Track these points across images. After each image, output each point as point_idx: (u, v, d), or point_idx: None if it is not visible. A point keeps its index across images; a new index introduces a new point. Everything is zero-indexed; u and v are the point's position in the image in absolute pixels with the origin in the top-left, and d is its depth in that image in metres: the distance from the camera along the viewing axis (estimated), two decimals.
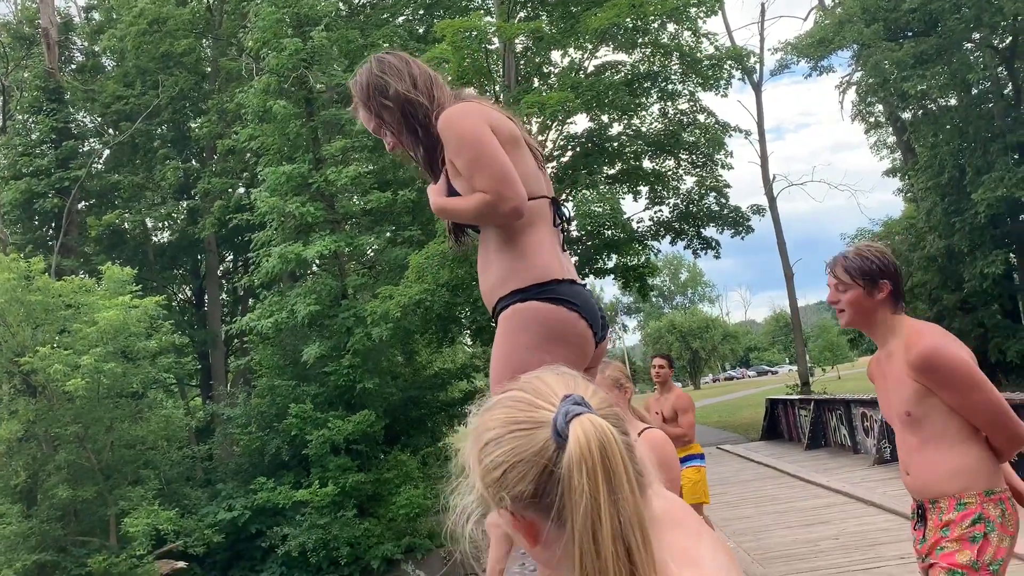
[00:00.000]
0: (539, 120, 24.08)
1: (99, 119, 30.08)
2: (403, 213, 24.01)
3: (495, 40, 23.14)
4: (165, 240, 31.76)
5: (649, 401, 7.36)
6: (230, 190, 28.29)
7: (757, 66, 31.81)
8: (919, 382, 2.81)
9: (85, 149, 29.18)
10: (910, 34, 26.13)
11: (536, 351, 2.35)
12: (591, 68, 26.10)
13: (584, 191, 24.09)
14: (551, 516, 0.99)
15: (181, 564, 20.27)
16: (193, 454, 24.46)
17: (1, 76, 28.22)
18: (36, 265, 20.65)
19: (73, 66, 31.08)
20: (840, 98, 32.89)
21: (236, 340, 29.51)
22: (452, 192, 2.51)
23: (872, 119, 34.16)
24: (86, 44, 32.00)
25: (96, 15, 32.38)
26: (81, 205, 28.59)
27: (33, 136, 28.17)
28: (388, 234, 24.04)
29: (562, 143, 26.31)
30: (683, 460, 7.00)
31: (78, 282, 21.40)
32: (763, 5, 34.97)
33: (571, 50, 25.70)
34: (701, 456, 7.33)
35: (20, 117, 28.75)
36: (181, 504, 21.41)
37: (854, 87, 30.93)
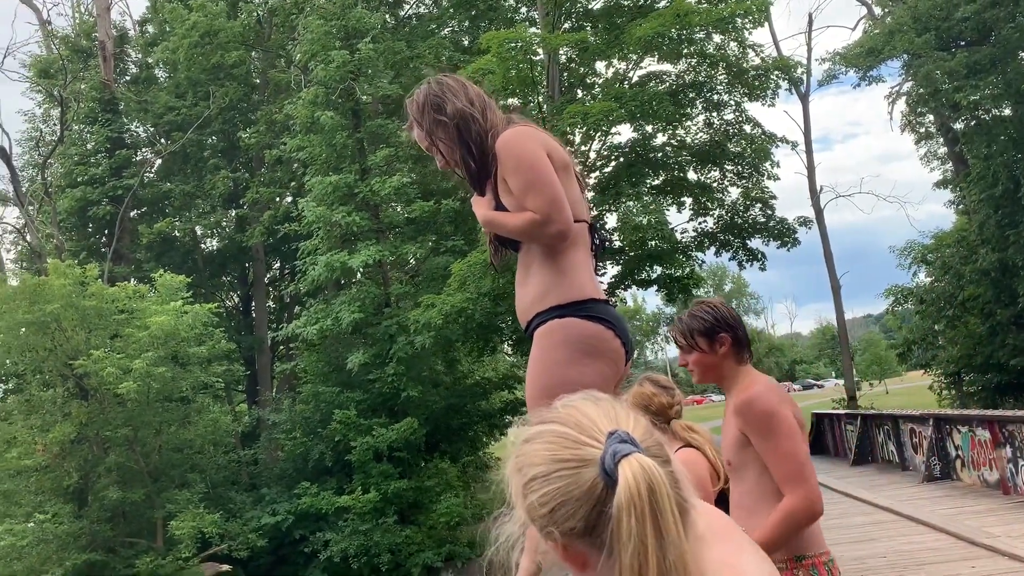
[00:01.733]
0: (582, 130, 24.08)
1: (152, 129, 30.82)
2: (445, 223, 24.21)
3: (539, 51, 23.22)
4: (214, 248, 32.38)
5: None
6: (278, 199, 28.78)
7: (804, 76, 31.44)
8: (738, 428, 2.79)
9: (138, 158, 29.91)
10: (963, 43, 25.63)
11: (573, 366, 2.47)
12: (635, 78, 26.05)
13: (628, 202, 24.00)
14: (601, 548, 1.01)
15: (225, 567, 20.60)
16: (239, 458, 24.85)
17: (59, 88, 29.04)
18: (91, 271, 21.20)
19: (127, 78, 31.91)
20: (889, 108, 32.34)
21: (282, 346, 29.96)
22: (500, 208, 2.63)
23: (923, 130, 33.51)
24: (140, 56, 32.83)
25: (150, 28, 33.21)
26: (133, 213, 29.29)
27: (88, 146, 28.96)
28: (431, 243, 24.23)
29: (605, 153, 26.26)
30: None
31: (131, 288, 21.91)
32: (811, 15, 34.70)
33: (615, 60, 25.67)
34: None
35: (76, 127, 29.58)
36: (226, 508, 21.75)
37: (904, 97, 30.40)
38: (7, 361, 21.72)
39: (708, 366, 2.97)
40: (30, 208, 28.15)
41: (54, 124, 31.50)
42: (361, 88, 23.52)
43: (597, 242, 2.78)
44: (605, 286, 26.53)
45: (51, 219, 28.22)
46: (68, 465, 20.50)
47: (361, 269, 23.28)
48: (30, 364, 21.18)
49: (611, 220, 26.00)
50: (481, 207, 2.71)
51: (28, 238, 27.85)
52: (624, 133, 26.19)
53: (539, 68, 23.58)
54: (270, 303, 32.97)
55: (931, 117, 31.09)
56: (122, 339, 20.78)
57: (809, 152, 31.67)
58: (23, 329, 20.60)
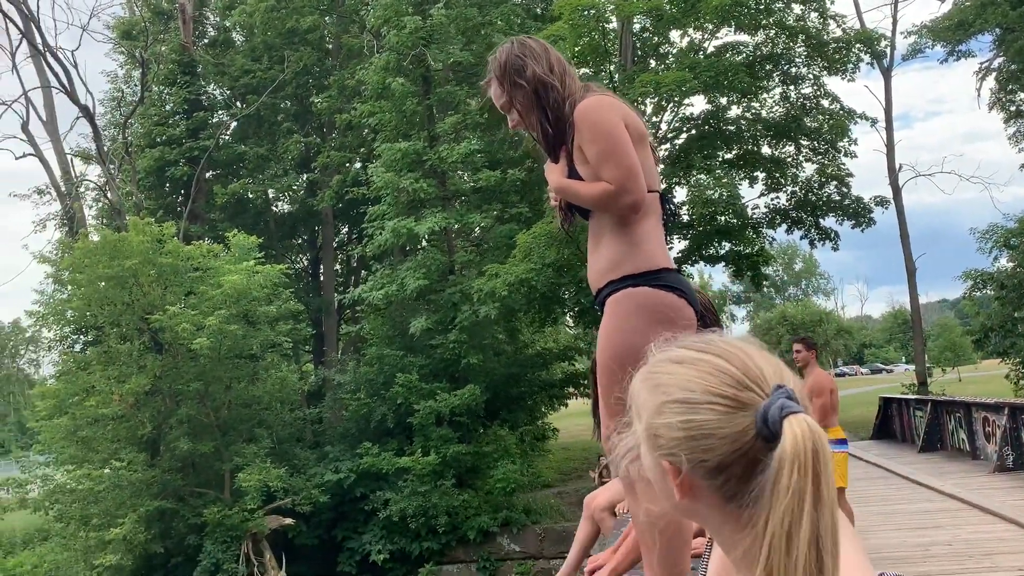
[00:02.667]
0: (654, 101, 23.70)
1: (228, 92, 31.44)
2: (511, 192, 24.19)
3: (613, 19, 22.87)
4: (285, 210, 33.01)
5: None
6: (348, 164, 29.12)
7: (888, 50, 30.29)
8: None
9: (214, 120, 30.57)
10: None
11: (646, 334, 2.45)
12: (711, 49, 25.46)
13: (699, 175, 23.59)
14: (721, 490, 1.01)
15: (289, 520, 21.23)
16: (304, 416, 25.48)
17: (141, 50, 29.80)
18: (168, 229, 21.84)
19: (206, 40, 32.54)
20: (978, 85, 30.90)
21: (348, 310, 30.48)
22: (574, 175, 2.66)
23: (1013, 108, 32.05)
24: (218, 19, 33.41)
25: None
26: (209, 174, 30.01)
27: (167, 107, 29.71)
28: (496, 212, 24.27)
29: (677, 125, 25.82)
30: None
31: (206, 247, 22.51)
32: None
33: (691, 30, 25.12)
34: (842, 441, 7.33)
35: (156, 89, 30.34)
36: (291, 463, 22.36)
37: (994, 73, 29.08)
38: (87, 313, 22.58)
39: None
40: (111, 167, 29.08)
41: (135, 85, 32.37)
42: (432, 54, 23.54)
43: (668, 212, 2.79)
44: (672, 260, 26.26)
45: (131, 178, 29.12)
46: (142, 415, 21.30)
47: (427, 236, 23.46)
48: (109, 317, 21.98)
49: (680, 194, 25.62)
50: (554, 173, 2.73)
51: (109, 195, 28.81)
52: (697, 105, 25.71)
53: (611, 36, 23.25)
54: (337, 266, 33.54)
55: (1023, 95, 29.70)
56: (196, 296, 21.41)
57: (889, 129, 30.57)
58: (103, 283, 21.37)
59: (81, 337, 25.44)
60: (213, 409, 21.84)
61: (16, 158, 32.54)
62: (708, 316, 3.10)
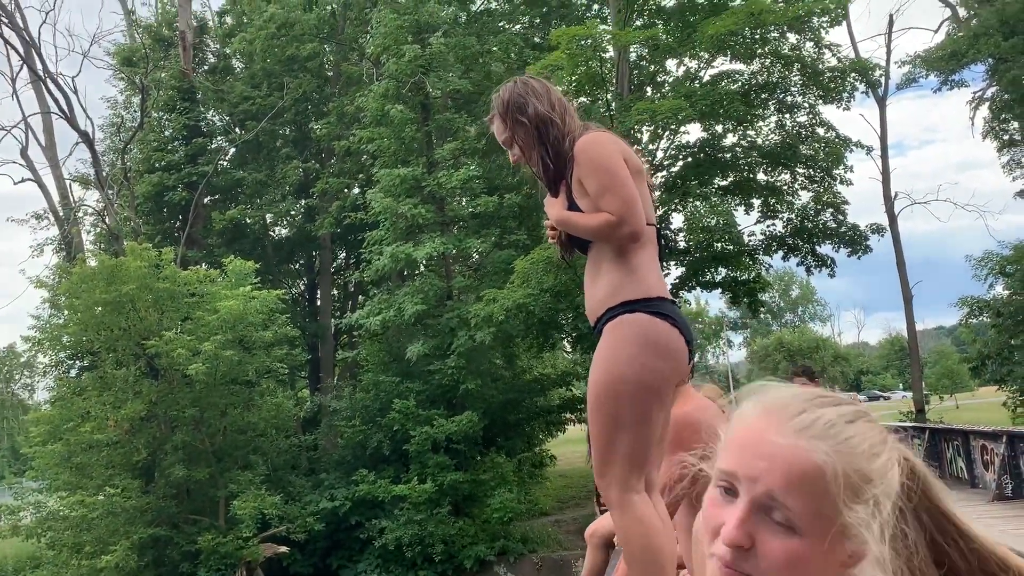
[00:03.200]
0: (650, 128, 23.87)
1: (227, 118, 31.60)
2: (509, 217, 24.29)
3: (609, 48, 23.09)
4: (283, 235, 33.05)
5: None
6: (346, 190, 29.22)
7: (882, 79, 30.56)
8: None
9: (213, 146, 30.69)
10: None
11: (638, 361, 2.57)
12: (707, 77, 25.68)
13: (695, 202, 23.71)
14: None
15: (283, 548, 21.03)
16: (299, 443, 25.34)
17: (141, 76, 29.99)
18: (166, 255, 21.84)
19: (206, 67, 32.75)
20: (971, 114, 31.15)
21: (344, 335, 30.44)
22: (573, 208, 2.76)
23: (1006, 137, 32.30)
24: (218, 47, 33.66)
25: (228, 19, 34.03)
26: (207, 200, 30.08)
27: (166, 133, 29.84)
28: (494, 237, 24.35)
29: (673, 152, 25.98)
30: None
31: (203, 272, 22.50)
32: (891, 16, 33.56)
33: (686, 59, 25.36)
34: None
35: (156, 115, 30.49)
36: (286, 491, 22.21)
37: (987, 103, 29.34)
38: (84, 339, 22.52)
39: None
40: (110, 192, 29.14)
41: (135, 111, 32.52)
42: (431, 82, 23.72)
43: (662, 244, 2.89)
44: (669, 287, 26.28)
45: (129, 203, 29.16)
46: (137, 441, 21.17)
47: (425, 261, 23.50)
48: (105, 342, 21.91)
49: (677, 220, 25.73)
50: (555, 207, 2.84)
51: (107, 220, 28.84)
52: (693, 132, 25.89)
53: (609, 65, 23.45)
54: (334, 292, 33.53)
55: (1016, 124, 29.94)
56: (192, 321, 21.37)
57: (884, 157, 30.79)
58: (99, 308, 21.33)
59: (77, 362, 25.35)
60: (208, 435, 21.72)
61: (15, 183, 32.60)
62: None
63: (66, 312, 22.63)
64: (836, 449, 0.98)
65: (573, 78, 22.05)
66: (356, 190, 29.51)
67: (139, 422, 21.11)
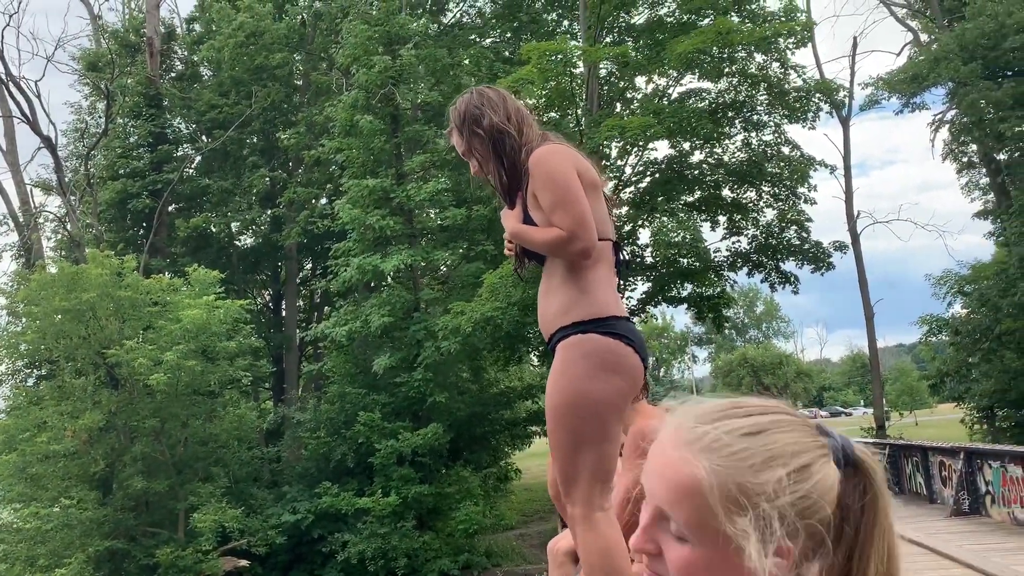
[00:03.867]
0: (619, 144, 24.06)
1: (194, 126, 31.28)
2: (477, 230, 24.30)
3: (580, 64, 23.27)
4: (249, 245, 32.74)
5: None
6: (313, 200, 29.05)
7: (846, 100, 31.16)
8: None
9: (179, 154, 30.35)
10: (1010, 74, 25.24)
11: (593, 380, 2.56)
12: (675, 95, 26.00)
13: (663, 218, 23.93)
14: (836, 548, 1.00)
15: (244, 562, 20.72)
16: (262, 455, 25.03)
17: (107, 82, 29.61)
18: (128, 263, 21.52)
19: (173, 74, 32.43)
20: (931, 136, 31.81)
21: (310, 346, 30.18)
22: (528, 221, 2.74)
23: (965, 159, 33.05)
24: (186, 54, 33.36)
25: (197, 26, 33.76)
26: (172, 208, 29.72)
27: (131, 139, 29.45)
28: (462, 250, 24.32)
29: (641, 168, 26.21)
30: None
31: (166, 281, 22.20)
32: (855, 38, 34.28)
33: (655, 76, 25.66)
34: None
35: (121, 121, 30.10)
36: (247, 503, 21.91)
37: (947, 126, 30.00)
38: (42, 347, 22.09)
39: None
40: (72, 198, 28.68)
41: (99, 117, 32.12)
42: (401, 94, 23.71)
43: (621, 260, 2.87)
44: (635, 301, 26.43)
45: (92, 210, 28.73)
46: (95, 452, 20.76)
47: (392, 273, 23.42)
48: (64, 351, 21.51)
49: (644, 235, 25.91)
50: (510, 220, 2.81)
51: (68, 227, 28.38)
52: (661, 149, 26.16)
53: (579, 81, 23.63)
54: (300, 302, 33.26)
55: (974, 147, 30.64)
56: (154, 331, 21.06)
57: (848, 177, 31.32)
58: (59, 316, 20.95)
59: (34, 371, 24.86)
60: (169, 447, 21.38)
61: None
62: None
63: (24, 320, 22.21)
64: (719, 463, 0.99)
65: (543, 93, 22.18)
66: (324, 200, 29.34)
67: (97, 432, 20.70)
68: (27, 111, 27.73)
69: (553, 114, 23.95)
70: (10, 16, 36.97)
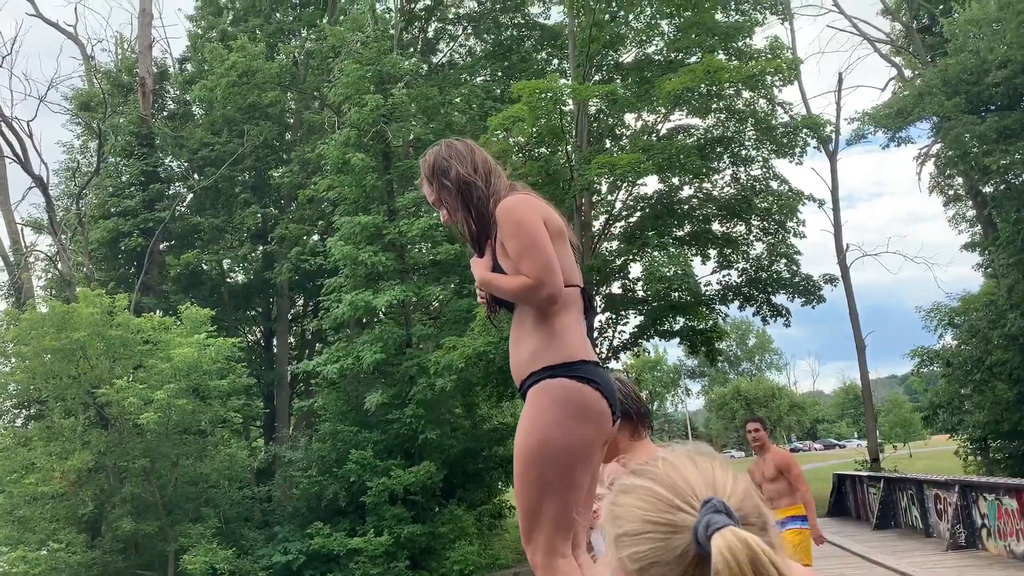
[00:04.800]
0: (609, 180, 24.24)
1: (186, 164, 31.39)
2: (469, 266, 24.27)
3: (569, 102, 23.53)
4: (240, 281, 32.69)
5: (750, 468, 7.37)
6: (305, 237, 29.10)
7: (833, 135, 31.54)
8: None
9: (171, 192, 30.41)
10: (993, 108, 25.64)
11: (561, 427, 2.61)
12: (664, 131, 26.27)
13: (653, 252, 24.03)
14: None
15: None
16: (253, 495, 24.75)
17: (99, 121, 29.74)
18: (120, 301, 21.44)
19: (165, 113, 32.62)
20: (918, 169, 32.22)
21: (301, 383, 30.02)
22: (497, 269, 2.81)
23: (951, 192, 33.42)
24: (179, 93, 33.58)
25: (189, 66, 34.03)
26: (163, 245, 29.70)
27: (123, 178, 29.51)
28: (453, 285, 24.33)
29: (631, 203, 26.38)
30: (784, 522, 6.98)
31: (157, 320, 22.12)
32: (840, 74, 34.87)
33: (644, 113, 25.94)
34: (803, 518, 7.22)
35: (113, 160, 30.18)
36: (239, 544, 21.63)
37: (933, 159, 30.37)
38: (31, 387, 21.93)
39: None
40: (63, 237, 28.65)
41: (91, 156, 32.19)
42: (393, 131, 23.89)
43: (591, 306, 2.92)
44: (627, 335, 26.43)
45: (83, 248, 28.69)
46: (84, 494, 20.53)
47: (384, 309, 23.39)
48: (53, 391, 21.35)
49: (635, 270, 26.00)
50: (479, 268, 2.89)
51: (59, 266, 28.30)
52: (651, 184, 26.36)
53: (568, 118, 23.86)
54: (292, 339, 33.15)
55: (960, 179, 31.00)
56: (145, 370, 20.93)
57: (836, 210, 31.62)
58: (48, 356, 20.82)
59: (23, 411, 24.63)
60: (159, 487, 21.14)
61: None
62: (632, 404, 3.17)
63: (13, 359, 22.05)
64: (606, 510, 1.10)
65: (534, 130, 22.38)
66: (316, 236, 29.40)
67: (86, 473, 20.49)
68: (19, 151, 27.80)
69: (544, 150, 24.15)
70: (3, 57, 37.07)
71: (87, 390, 20.89)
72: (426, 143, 25.40)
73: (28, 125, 36.42)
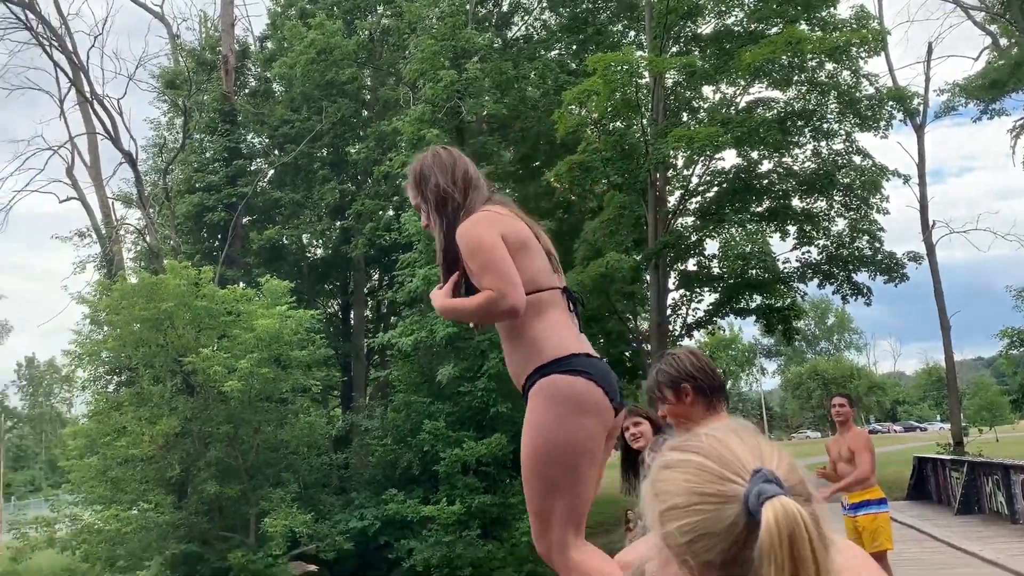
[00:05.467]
0: (685, 155, 23.89)
1: (267, 141, 32.16)
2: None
3: (645, 74, 23.20)
4: (318, 256, 33.46)
5: (828, 444, 7.35)
6: (380, 212, 29.56)
7: (920, 107, 30.32)
8: None
9: (252, 168, 31.23)
10: None
11: (562, 426, 2.64)
12: (743, 104, 25.69)
13: (731, 229, 23.61)
14: None
15: (312, 567, 21.11)
16: (331, 462, 25.46)
17: (184, 98, 30.67)
18: (205, 273, 22.19)
19: (247, 90, 33.41)
20: (1012, 143, 30.76)
21: (377, 355, 30.65)
22: (471, 290, 2.85)
23: None
24: (259, 71, 34.33)
25: (270, 44, 34.74)
26: (245, 220, 30.57)
27: (207, 154, 30.43)
28: None
29: (708, 178, 25.96)
30: (858, 506, 6.90)
31: (240, 291, 22.83)
32: (930, 44, 33.36)
33: (723, 85, 25.40)
34: (881, 501, 7.13)
35: (197, 136, 31.13)
36: (317, 509, 22.30)
37: None
38: (122, 355, 22.91)
39: (679, 416, 3.06)
40: (151, 211, 29.75)
41: (177, 132, 33.27)
42: (467, 106, 23.98)
43: (575, 307, 2.94)
44: (702, 313, 26.12)
45: (169, 222, 29.76)
46: (171, 457, 21.41)
47: None
48: (143, 358, 22.27)
49: (712, 246, 25.63)
50: (437, 298, 2.91)
51: (147, 239, 29.42)
52: (728, 159, 25.86)
53: (644, 91, 23.54)
54: (368, 312, 33.82)
55: None
56: (229, 339, 21.65)
57: (922, 185, 30.46)
58: (138, 325, 21.71)
59: (115, 378, 25.77)
60: (241, 452, 21.93)
61: (60, 201, 33.47)
62: (705, 377, 3.12)
63: (105, 328, 23.05)
64: (646, 487, 1.11)
65: (609, 104, 22.17)
66: (391, 212, 29.83)
67: (174, 438, 21.36)
68: (109, 128, 28.88)
69: (618, 124, 23.92)
70: (95, 37, 38.59)
71: (174, 358, 21.74)
72: (500, 118, 25.48)
73: (118, 103, 37.99)
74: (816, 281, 26.67)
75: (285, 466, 22.87)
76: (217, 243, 29.82)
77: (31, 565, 27.20)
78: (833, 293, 27.29)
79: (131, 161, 29.01)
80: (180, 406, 21.55)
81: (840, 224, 26.53)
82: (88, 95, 29.37)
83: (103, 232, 30.88)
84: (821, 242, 26.43)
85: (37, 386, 79.13)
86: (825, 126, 25.61)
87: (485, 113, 24.68)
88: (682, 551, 1.04)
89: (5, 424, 72.19)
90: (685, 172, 25.77)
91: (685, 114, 26.77)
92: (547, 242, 2.96)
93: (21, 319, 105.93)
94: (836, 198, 26.11)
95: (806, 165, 26.13)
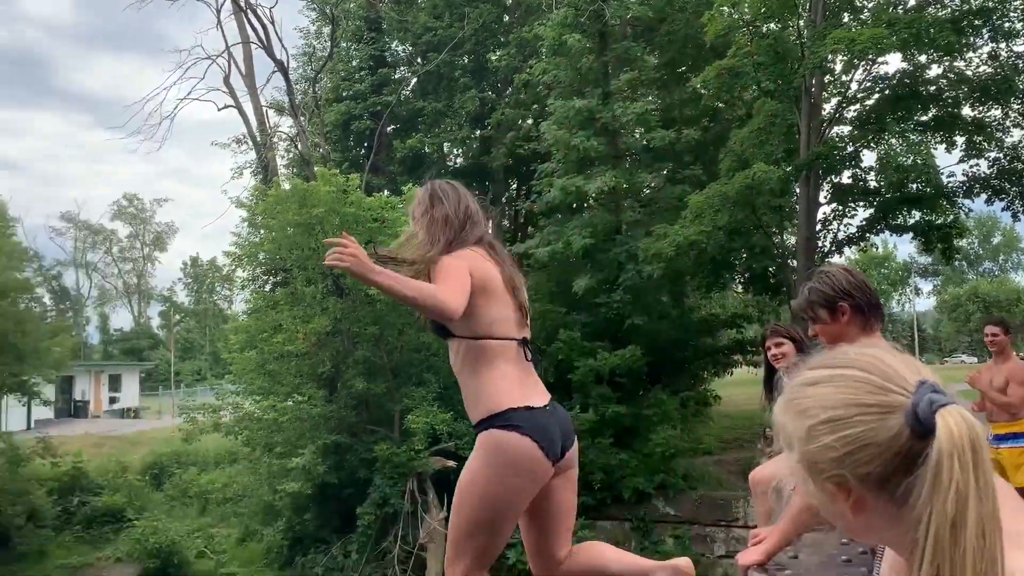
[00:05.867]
0: (845, 59, 22.33)
1: (410, 49, 32.40)
2: (685, 152, 23.62)
3: None
4: (459, 164, 33.87)
5: (979, 371, 6.97)
6: (520, 121, 29.45)
7: None
8: None
9: (396, 77, 31.65)
10: None
11: (494, 482, 2.88)
12: (912, 2, 23.58)
13: (891, 139, 22.06)
14: (890, 496, 1.03)
15: (451, 463, 22.11)
16: None
17: (331, 6, 31.20)
18: (352, 181, 22.95)
19: None
20: None
21: None
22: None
23: None
24: None
25: None
26: (390, 128, 31.21)
27: (353, 63, 31.03)
28: (666, 172, 23.78)
29: (868, 84, 24.20)
30: (1003, 438, 6.62)
31: (384, 199, 23.52)
32: None
33: None
34: None
35: (344, 45, 31.73)
36: (455, 409, 23.13)
37: None
38: (277, 256, 24.24)
39: (833, 335, 2.97)
40: (302, 119, 30.83)
41: (325, 41, 34.00)
42: (611, 9, 23.20)
43: (534, 360, 3.17)
44: (854, 228, 24.80)
45: (319, 130, 30.78)
46: (323, 354, 22.73)
47: (595, 195, 23.39)
48: (296, 261, 23.48)
49: (868, 158, 24.16)
50: (379, 273, 3.00)
51: (299, 146, 30.60)
52: (892, 63, 23.97)
53: None
54: (506, 221, 34.16)
55: None
56: (375, 245, 22.41)
57: None
58: (291, 229, 22.83)
59: (271, 278, 27.37)
60: (386, 352, 22.98)
61: (218, 109, 35.21)
62: (861, 295, 2.97)
63: (262, 231, 24.38)
64: (782, 405, 1.13)
65: (763, 4, 20.86)
66: (530, 121, 29.66)
67: (325, 336, 22.59)
68: (263, 36, 29.85)
69: (773, 26, 22.55)
70: None
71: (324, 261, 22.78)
72: (645, 22, 24.51)
73: (270, 12, 39.05)
74: (984, 197, 24.66)
75: (427, 367, 23.81)
76: (363, 151, 30.68)
77: (199, 446, 29.99)
78: (1003, 210, 25.19)
79: (283, 70, 29.99)
80: (331, 307, 22.70)
81: (1016, 135, 24.23)
82: (242, 4, 30.36)
83: (258, 139, 32.31)
84: (992, 154, 24.30)
85: (201, 284, 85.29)
86: (1007, 25, 23.18)
87: (630, 16, 23.78)
88: (836, 465, 1.04)
89: (175, 318, 78.58)
90: (844, 78, 24.09)
91: (847, 14, 24.82)
92: (523, 296, 3.22)
93: (185, 221, 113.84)
94: (1014, 106, 23.78)
95: (981, 69, 23.86)
